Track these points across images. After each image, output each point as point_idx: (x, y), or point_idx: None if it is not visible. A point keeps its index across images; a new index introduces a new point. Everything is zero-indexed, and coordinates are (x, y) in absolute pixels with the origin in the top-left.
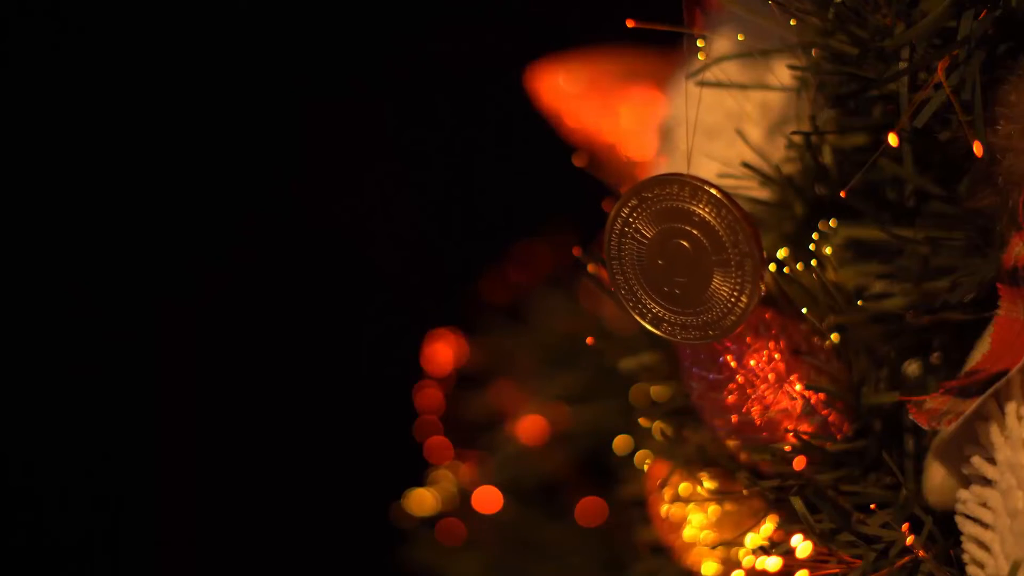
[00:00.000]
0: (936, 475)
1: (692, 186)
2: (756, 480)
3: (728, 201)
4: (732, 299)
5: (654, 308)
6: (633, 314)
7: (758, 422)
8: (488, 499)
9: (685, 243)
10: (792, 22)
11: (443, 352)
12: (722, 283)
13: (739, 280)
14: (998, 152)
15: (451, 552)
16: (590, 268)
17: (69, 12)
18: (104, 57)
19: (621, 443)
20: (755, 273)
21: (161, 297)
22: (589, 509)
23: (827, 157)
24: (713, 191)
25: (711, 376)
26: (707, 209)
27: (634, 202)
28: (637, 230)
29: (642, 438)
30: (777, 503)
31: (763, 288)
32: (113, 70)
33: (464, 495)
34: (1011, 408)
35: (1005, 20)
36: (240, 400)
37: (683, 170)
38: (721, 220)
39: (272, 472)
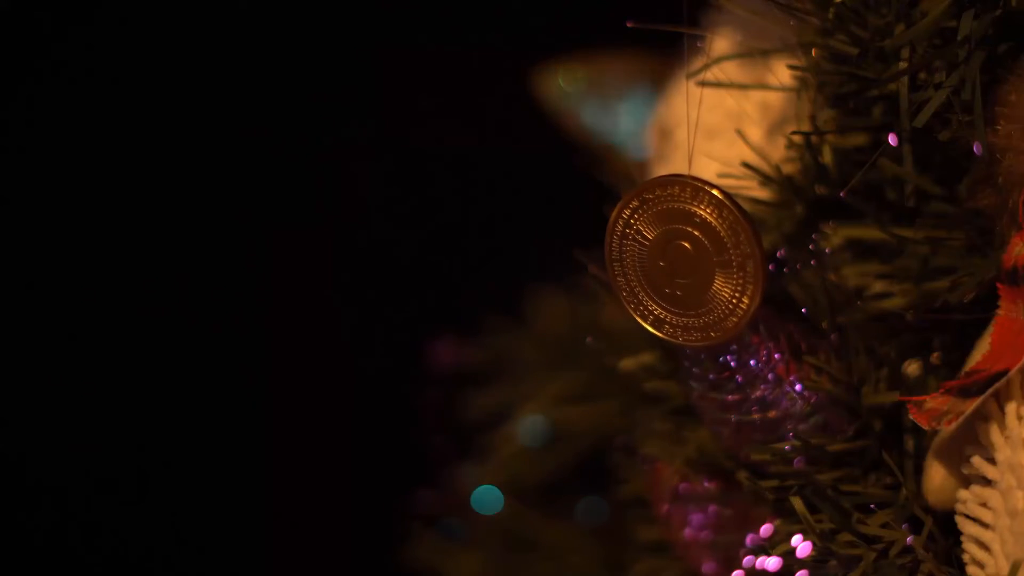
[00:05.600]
0: (936, 475)
1: (693, 187)
2: (756, 480)
3: (730, 202)
4: (734, 300)
5: (656, 310)
6: (635, 316)
7: (758, 422)
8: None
9: (687, 244)
10: (792, 22)
11: (443, 352)
12: (724, 284)
13: (741, 281)
14: (998, 152)
15: (451, 552)
16: (590, 268)
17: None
18: (108, 58)
19: (621, 443)
20: (757, 274)
21: (163, 295)
22: (589, 509)
23: (827, 157)
24: (715, 192)
25: (711, 376)
26: (708, 210)
27: (635, 203)
28: (639, 231)
29: (642, 438)
30: (777, 503)
31: (765, 289)
32: (116, 72)
33: (464, 495)
34: (1011, 408)
35: (1005, 20)
36: (240, 400)
37: (684, 170)
38: (723, 221)
39: (272, 472)
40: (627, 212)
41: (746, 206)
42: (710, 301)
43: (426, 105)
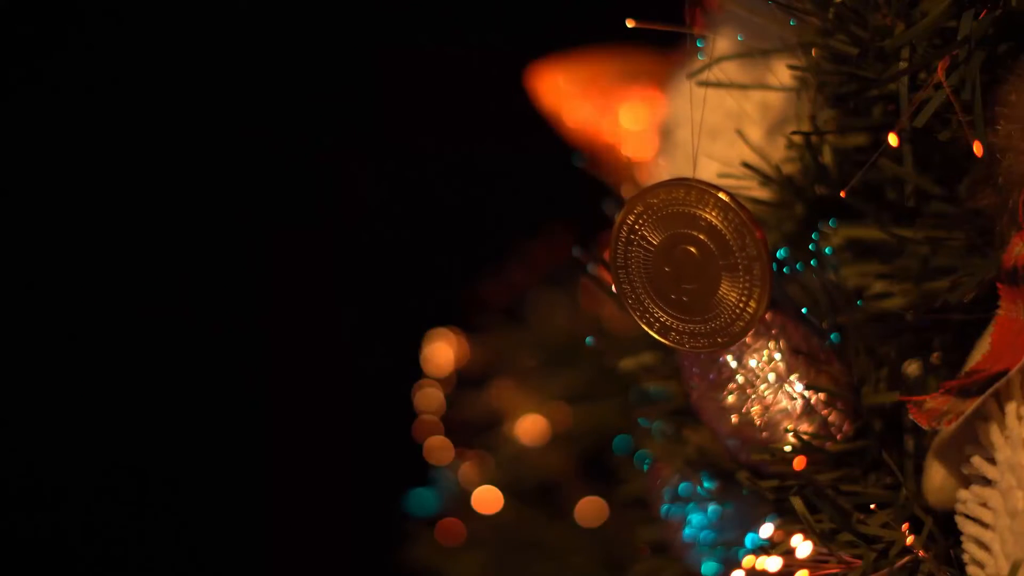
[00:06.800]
0: (936, 475)
1: (699, 190)
2: (756, 480)
3: (735, 205)
4: (740, 304)
5: (662, 317)
6: (641, 324)
7: (758, 422)
8: (488, 499)
9: (692, 249)
10: (792, 22)
11: (443, 352)
12: (730, 288)
13: (747, 285)
14: (998, 152)
15: (451, 552)
16: (590, 269)
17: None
18: (108, 59)
19: (621, 443)
20: (764, 277)
21: (164, 296)
22: (589, 509)
23: (827, 157)
24: (720, 195)
25: (711, 376)
26: (714, 213)
27: (640, 209)
28: (643, 237)
29: (642, 438)
30: (777, 503)
31: (772, 292)
32: (116, 73)
33: (464, 495)
34: (1011, 408)
35: (1005, 20)
36: (240, 399)
37: (684, 171)
38: (728, 224)
39: (272, 472)
40: (631, 218)
41: (747, 206)
42: (717, 306)
43: (426, 105)
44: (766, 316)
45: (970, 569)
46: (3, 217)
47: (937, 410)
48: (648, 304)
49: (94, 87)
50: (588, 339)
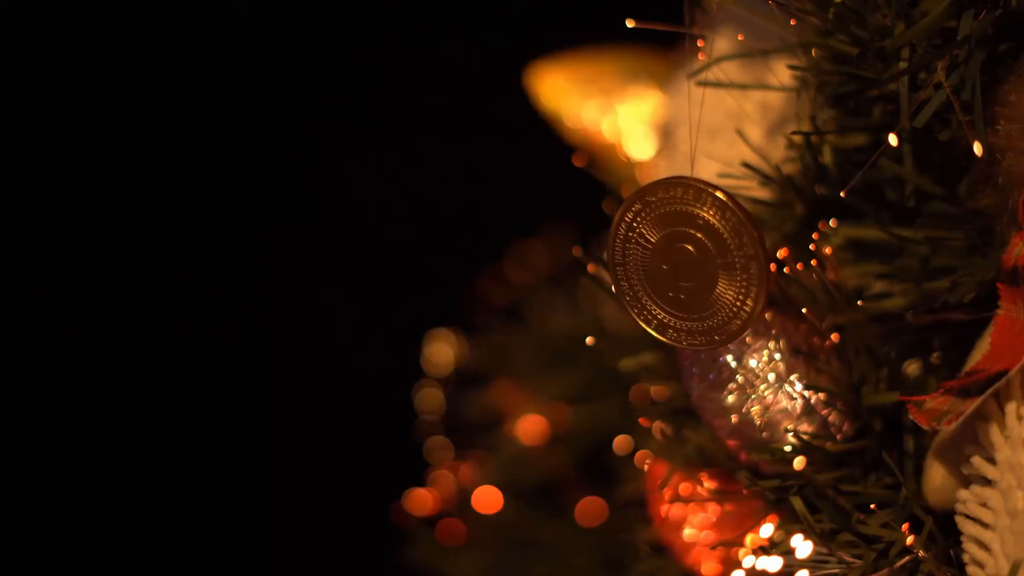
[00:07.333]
0: (936, 475)
1: (696, 189)
2: (756, 480)
3: (733, 204)
4: (738, 303)
5: (659, 314)
6: (639, 320)
7: (758, 422)
8: (488, 499)
9: (690, 247)
10: (792, 22)
11: (443, 352)
12: (727, 287)
13: (744, 283)
14: (998, 152)
15: (451, 552)
16: (590, 268)
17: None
18: (108, 59)
19: (621, 443)
20: (760, 276)
21: (164, 296)
22: (589, 509)
23: (827, 157)
24: (718, 194)
25: (711, 376)
26: (712, 212)
27: (638, 206)
28: (641, 235)
29: (642, 438)
30: (777, 503)
31: (769, 291)
32: (116, 73)
33: (464, 495)
34: (1011, 408)
35: (1005, 20)
36: (240, 399)
37: (684, 170)
38: (726, 223)
39: (272, 472)
40: (630, 215)
41: (746, 206)
42: (714, 304)
43: (426, 105)
44: (766, 316)
45: (970, 569)
46: (3, 217)
47: (937, 410)
48: (646, 301)
49: (94, 87)
50: (588, 339)
